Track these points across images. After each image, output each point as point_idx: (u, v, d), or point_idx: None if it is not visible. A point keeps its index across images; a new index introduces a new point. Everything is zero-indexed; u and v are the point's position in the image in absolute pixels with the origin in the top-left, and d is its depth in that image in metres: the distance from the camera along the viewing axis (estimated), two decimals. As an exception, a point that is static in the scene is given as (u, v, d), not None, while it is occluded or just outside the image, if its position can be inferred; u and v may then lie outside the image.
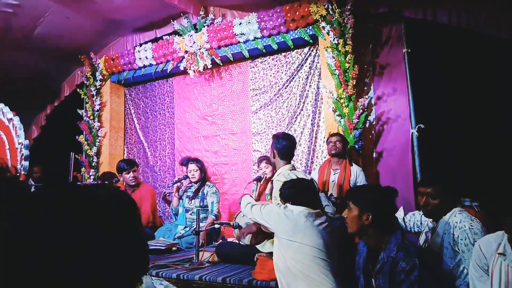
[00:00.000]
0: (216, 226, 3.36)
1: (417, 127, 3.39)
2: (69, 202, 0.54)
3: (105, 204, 0.57)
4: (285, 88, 4.14)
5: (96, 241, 0.53)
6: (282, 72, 4.16)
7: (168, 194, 4.29)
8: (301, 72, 4.06)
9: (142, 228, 0.63)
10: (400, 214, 2.46)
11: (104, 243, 0.54)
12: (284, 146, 2.54)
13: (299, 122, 4.04)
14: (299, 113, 4.04)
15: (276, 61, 4.21)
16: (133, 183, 3.80)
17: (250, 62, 4.34)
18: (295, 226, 1.98)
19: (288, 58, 4.14)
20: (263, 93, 4.26)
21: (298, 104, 4.04)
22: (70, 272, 0.51)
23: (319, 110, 3.92)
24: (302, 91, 4.03)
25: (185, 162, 3.94)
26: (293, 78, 4.09)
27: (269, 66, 4.24)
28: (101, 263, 0.53)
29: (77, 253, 0.51)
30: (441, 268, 1.89)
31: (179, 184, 3.74)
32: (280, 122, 4.14)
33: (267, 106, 4.23)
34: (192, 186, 3.73)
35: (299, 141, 4.00)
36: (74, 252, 0.51)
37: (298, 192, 2.13)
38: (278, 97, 4.18)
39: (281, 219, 2.03)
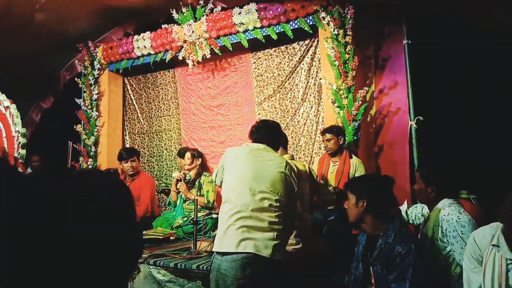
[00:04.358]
0: (214, 216, 3.37)
1: (416, 119, 3.39)
2: (60, 188, 0.54)
3: (97, 189, 0.57)
4: (288, 80, 4.13)
5: (88, 227, 0.53)
6: (284, 64, 4.15)
7: (165, 189, 4.31)
8: (303, 64, 4.05)
9: (135, 214, 0.63)
10: (403, 207, 2.52)
11: (96, 229, 0.54)
12: (285, 137, 2.60)
13: (302, 113, 4.05)
14: (302, 104, 4.05)
15: (278, 52, 4.20)
16: (130, 173, 3.81)
17: (252, 54, 4.33)
18: (238, 154, 2.10)
19: (289, 49, 4.12)
20: (266, 85, 4.26)
21: (302, 95, 4.04)
22: (61, 260, 0.51)
23: (321, 101, 3.92)
24: (304, 82, 4.03)
25: (182, 153, 3.94)
26: (296, 69, 4.08)
27: (272, 58, 4.23)
28: (93, 250, 0.53)
29: (68, 241, 0.51)
30: (434, 255, 1.92)
31: (178, 177, 3.73)
32: (284, 113, 4.16)
33: (271, 97, 4.23)
34: (189, 176, 3.72)
35: (302, 132, 4.02)
36: (65, 239, 0.51)
37: (255, 129, 2.22)
38: (281, 88, 4.17)
39: (228, 152, 2.18)
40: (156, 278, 2.51)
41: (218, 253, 1.88)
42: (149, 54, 4.68)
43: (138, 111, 5.17)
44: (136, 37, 4.66)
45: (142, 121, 5.13)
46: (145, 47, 4.61)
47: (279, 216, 1.89)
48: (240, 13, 3.94)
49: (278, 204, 1.90)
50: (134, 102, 5.21)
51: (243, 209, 1.87)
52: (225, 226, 1.89)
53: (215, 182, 2.26)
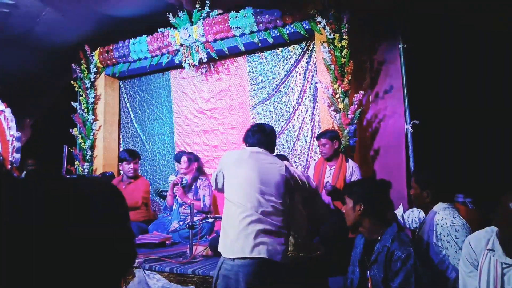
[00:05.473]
0: (210, 220, 3.36)
1: (411, 123, 3.40)
2: (59, 188, 0.54)
3: (91, 191, 0.57)
4: (283, 83, 4.13)
5: (85, 227, 0.53)
6: (279, 67, 4.15)
7: (162, 191, 4.28)
8: (298, 67, 4.06)
9: (128, 217, 0.63)
10: (399, 211, 2.52)
11: (92, 230, 0.54)
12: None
13: (297, 117, 4.05)
14: (298, 108, 4.04)
15: (274, 56, 4.20)
16: (131, 175, 3.81)
17: (247, 57, 4.32)
18: (239, 157, 2.08)
19: (285, 53, 4.13)
20: (261, 88, 4.25)
21: (297, 99, 4.04)
22: (59, 260, 0.51)
23: (317, 105, 3.92)
24: (300, 86, 4.03)
25: (178, 157, 3.93)
26: (291, 73, 4.09)
27: (267, 61, 4.23)
28: (88, 251, 0.53)
29: (66, 241, 0.51)
30: (429, 259, 1.93)
31: (174, 181, 3.72)
32: (278, 117, 4.15)
33: (266, 101, 4.22)
34: (185, 180, 3.71)
35: (298, 136, 4.01)
36: (63, 240, 0.51)
37: (251, 133, 2.22)
38: (276, 92, 4.17)
39: (228, 155, 2.18)
40: (149, 283, 2.49)
41: (228, 258, 1.83)
42: (145, 58, 4.68)
43: (132, 115, 5.15)
44: (132, 40, 4.66)
45: (136, 125, 5.11)
46: (141, 51, 4.61)
47: (284, 220, 1.90)
48: (236, 17, 3.95)
49: (282, 208, 1.91)
50: (128, 106, 5.20)
51: (253, 212, 1.84)
52: (236, 231, 1.84)
53: (214, 186, 2.24)
